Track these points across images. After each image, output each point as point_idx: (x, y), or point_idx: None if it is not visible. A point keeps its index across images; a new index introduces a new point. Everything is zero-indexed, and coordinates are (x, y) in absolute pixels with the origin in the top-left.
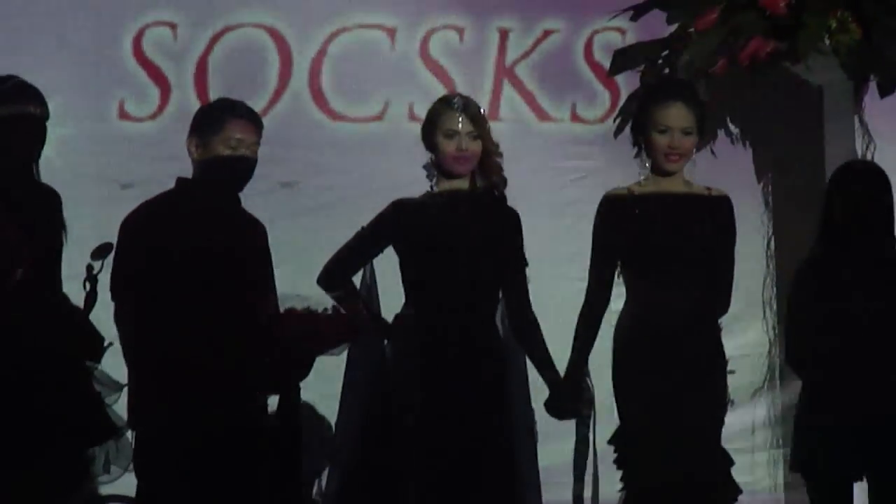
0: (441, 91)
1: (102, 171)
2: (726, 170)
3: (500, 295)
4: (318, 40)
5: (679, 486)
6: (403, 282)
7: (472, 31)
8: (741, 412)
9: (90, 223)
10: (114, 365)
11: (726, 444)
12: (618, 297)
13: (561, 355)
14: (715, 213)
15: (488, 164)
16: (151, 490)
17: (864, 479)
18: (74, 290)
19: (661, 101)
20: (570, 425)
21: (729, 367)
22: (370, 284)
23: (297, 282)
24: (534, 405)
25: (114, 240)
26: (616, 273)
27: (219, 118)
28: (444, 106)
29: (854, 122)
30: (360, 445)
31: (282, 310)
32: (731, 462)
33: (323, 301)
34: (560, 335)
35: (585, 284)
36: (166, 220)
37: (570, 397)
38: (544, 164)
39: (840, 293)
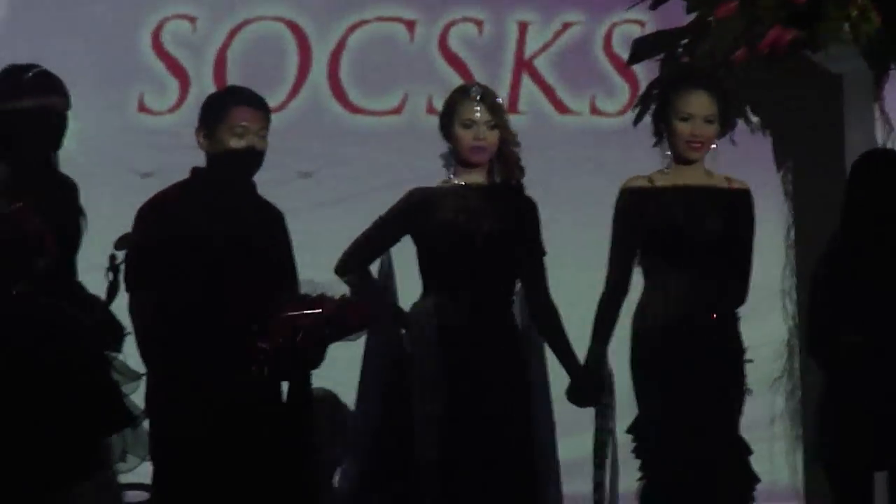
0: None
1: (122, 161)
2: (746, 159)
3: (519, 284)
4: (337, 33)
5: (697, 474)
6: (421, 271)
7: (491, 24)
8: (760, 402)
9: (109, 213)
10: (132, 354)
11: (745, 433)
12: (637, 286)
13: (581, 344)
14: (734, 204)
15: (506, 153)
16: (167, 477)
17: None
18: (93, 280)
19: (683, 89)
20: (591, 418)
21: (747, 357)
22: (388, 274)
23: (315, 272)
24: (553, 395)
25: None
26: (635, 262)
27: (223, 106)
28: (461, 95)
29: (874, 110)
30: (378, 434)
31: None
32: (749, 451)
33: (337, 288)
34: (580, 324)
35: (605, 273)
36: (182, 210)
37: (591, 385)
38: (564, 157)
39: (862, 282)
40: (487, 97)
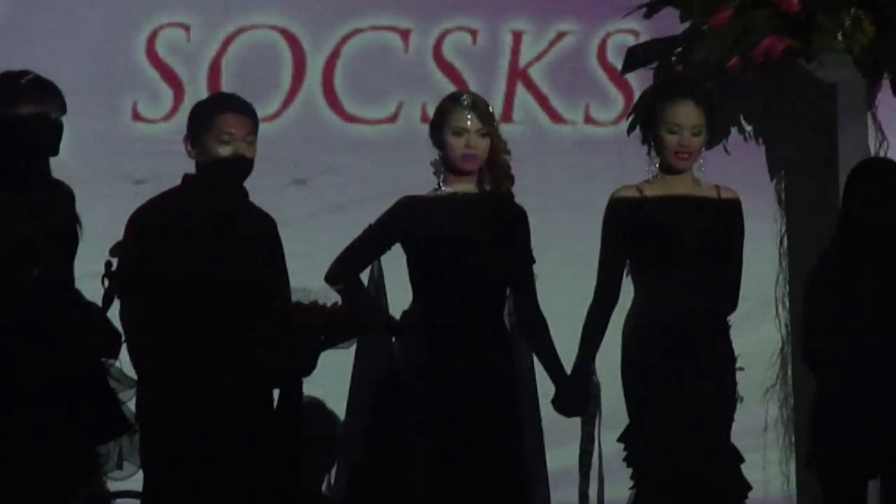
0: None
1: (115, 168)
2: (739, 167)
3: (508, 292)
4: (331, 42)
5: (689, 483)
6: (411, 279)
7: (485, 33)
8: (753, 410)
9: (103, 219)
10: (129, 361)
11: (738, 441)
12: (626, 295)
13: (570, 353)
14: (723, 211)
15: (496, 162)
16: (157, 485)
17: (878, 478)
18: (88, 287)
19: (670, 99)
20: (578, 425)
21: (738, 365)
22: (378, 281)
23: (308, 280)
24: (541, 403)
25: None
26: (625, 271)
27: (209, 114)
28: (452, 103)
29: (867, 119)
30: (368, 441)
31: None
32: (741, 459)
33: (329, 296)
34: (569, 333)
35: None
36: (173, 217)
37: (577, 395)
38: (558, 165)
39: (856, 290)
40: (478, 105)
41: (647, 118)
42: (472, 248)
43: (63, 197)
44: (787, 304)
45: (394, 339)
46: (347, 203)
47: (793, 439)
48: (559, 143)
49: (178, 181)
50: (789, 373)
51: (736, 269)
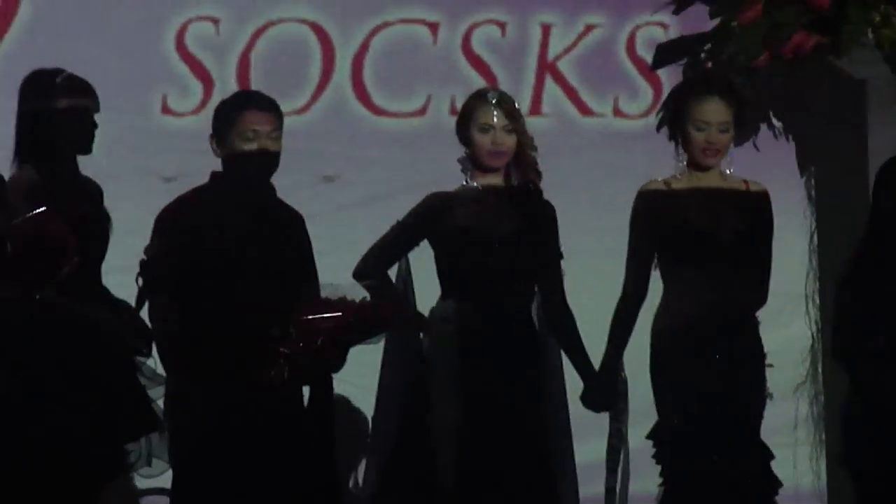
0: (483, 86)
1: (144, 165)
2: (769, 164)
3: (536, 288)
4: (360, 35)
5: (718, 479)
6: (439, 275)
7: (514, 26)
8: (784, 406)
9: (132, 217)
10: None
11: (768, 438)
12: (655, 291)
13: (598, 349)
14: (752, 206)
15: (523, 158)
16: (186, 482)
17: None
18: (117, 284)
19: (698, 96)
20: (606, 422)
21: (768, 361)
22: (406, 278)
23: (339, 275)
24: (569, 399)
25: None
26: (653, 266)
27: (233, 112)
28: (478, 100)
29: None
30: (397, 438)
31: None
32: (770, 456)
33: (357, 291)
34: (598, 329)
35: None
36: (201, 215)
37: (605, 390)
38: (586, 158)
39: (888, 286)
40: (504, 102)
41: (675, 115)
42: (500, 243)
43: (92, 194)
44: (818, 300)
45: (422, 335)
46: (376, 197)
47: (823, 436)
48: (588, 136)
49: (207, 179)
50: (819, 369)
51: (765, 262)
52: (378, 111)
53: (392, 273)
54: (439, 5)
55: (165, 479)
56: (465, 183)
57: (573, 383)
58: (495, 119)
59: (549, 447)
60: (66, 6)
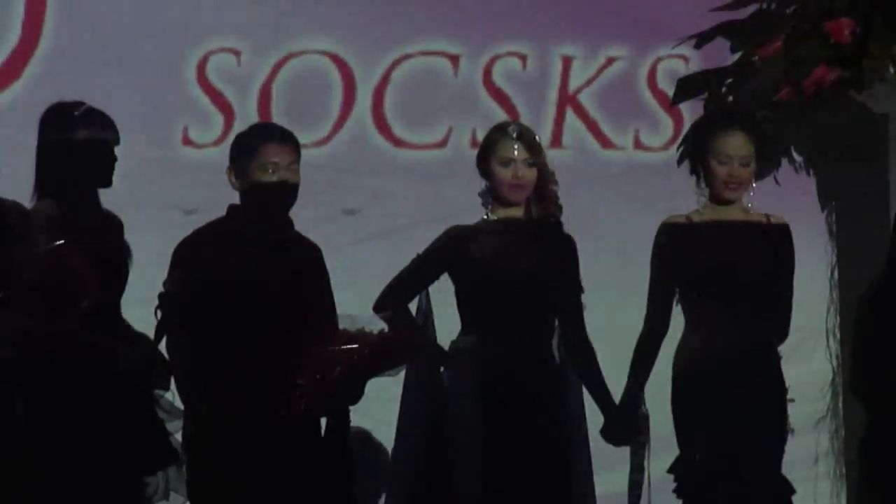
0: (504, 118)
1: (165, 197)
2: (790, 198)
3: (556, 322)
4: (381, 67)
5: None
6: (459, 308)
7: (535, 59)
8: (804, 441)
9: (153, 249)
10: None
11: (789, 472)
12: (677, 325)
13: (619, 383)
14: (773, 241)
15: (544, 191)
16: None
17: None
18: (138, 316)
19: (720, 130)
20: (627, 454)
21: (789, 396)
22: (426, 312)
23: (360, 308)
24: (589, 432)
25: None
26: (675, 301)
27: (252, 144)
28: (499, 133)
29: None
30: (417, 472)
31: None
32: (792, 490)
33: (376, 323)
34: (618, 363)
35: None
36: (218, 248)
37: (626, 424)
38: (607, 191)
39: None
40: (525, 135)
41: (696, 148)
42: (521, 277)
43: (113, 227)
44: (838, 335)
45: (442, 369)
46: (397, 229)
47: (843, 471)
48: (609, 169)
49: None
50: (840, 404)
51: (787, 297)
52: (399, 143)
53: (412, 307)
54: (461, 38)
55: None
56: (485, 216)
57: (594, 417)
58: (516, 153)
59: (570, 482)
60: (87, 39)
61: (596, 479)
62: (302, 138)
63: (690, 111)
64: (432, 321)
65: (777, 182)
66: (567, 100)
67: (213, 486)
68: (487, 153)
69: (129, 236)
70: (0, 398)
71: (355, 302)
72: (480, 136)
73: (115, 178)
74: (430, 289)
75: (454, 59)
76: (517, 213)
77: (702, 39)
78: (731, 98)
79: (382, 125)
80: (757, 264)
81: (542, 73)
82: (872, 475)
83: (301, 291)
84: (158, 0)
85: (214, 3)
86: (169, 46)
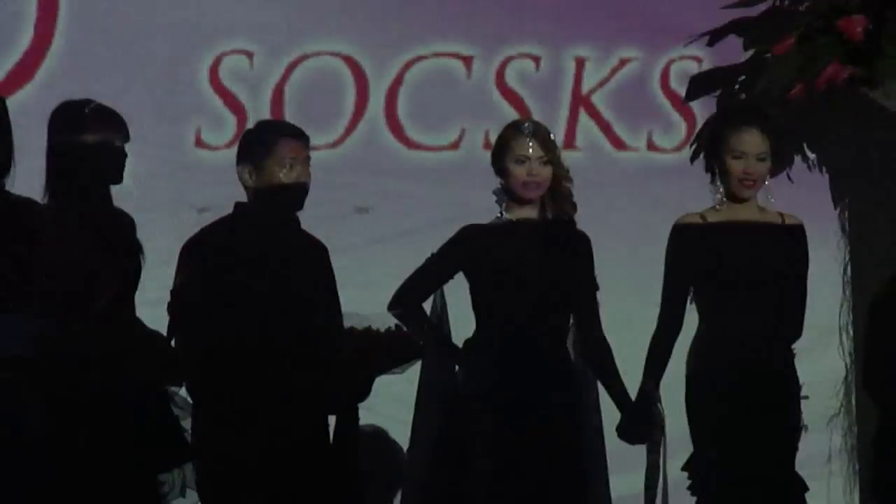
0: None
1: (178, 198)
2: (803, 196)
3: (572, 320)
4: (394, 68)
5: None
6: (474, 307)
7: (548, 60)
8: (817, 438)
9: (166, 249)
10: None
11: (802, 470)
12: (691, 323)
13: (635, 381)
14: (788, 239)
15: (558, 189)
16: None
17: None
18: (151, 315)
19: (735, 126)
20: (642, 454)
21: (803, 393)
22: (441, 311)
23: (372, 308)
24: (605, 430)
25: None
26: (689, 299)
27: (268, 140)
28: (514, 131)
29: None
30: (432, 470)
31: None
32: (805, 488)
33: (384, 321)
34: (634, 361)
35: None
36: (225, 246)
37: (642, 422)
38: (620, 192)
39: None
40: (540, 133)
41: (711, 145)
42: (536, 276)
43: (125, 226)
44: (851, 332)
45: (457, 367)
46: (409, 230)
47: (857, 468)
48: (622, 170)
49: None
50: (853, 402)
51: (801, 295)
52: (412, 144)
53: (427, 306)
54: (473, 39)
55: None
56: (499, 215)
57: (609, 415)
58: (531, 150)
59: (586, 479)
60: (99, 40)
61: (612, 478)
62: (315, 139)
63: (703, 112)
64: (447, 320)
65: (790, 179)
66: (580, 101)
67: (222, 484)
68: (502, 151)
69: (142, 237)
70: (16, 397)
71: (367, 301)
72: (493, 138)
73: (127, 179)
74: (445, 287)
75: (467, 61)
76: (532, 211)
77: (714, 36)
78: (743, 95)
79: (395, 127)
80: (771, 264)
81: (555, 75)
82: (885, 472)
83: (306, 288)
84: (171, 1)
85: (227, 5)
86: (182, 48)
